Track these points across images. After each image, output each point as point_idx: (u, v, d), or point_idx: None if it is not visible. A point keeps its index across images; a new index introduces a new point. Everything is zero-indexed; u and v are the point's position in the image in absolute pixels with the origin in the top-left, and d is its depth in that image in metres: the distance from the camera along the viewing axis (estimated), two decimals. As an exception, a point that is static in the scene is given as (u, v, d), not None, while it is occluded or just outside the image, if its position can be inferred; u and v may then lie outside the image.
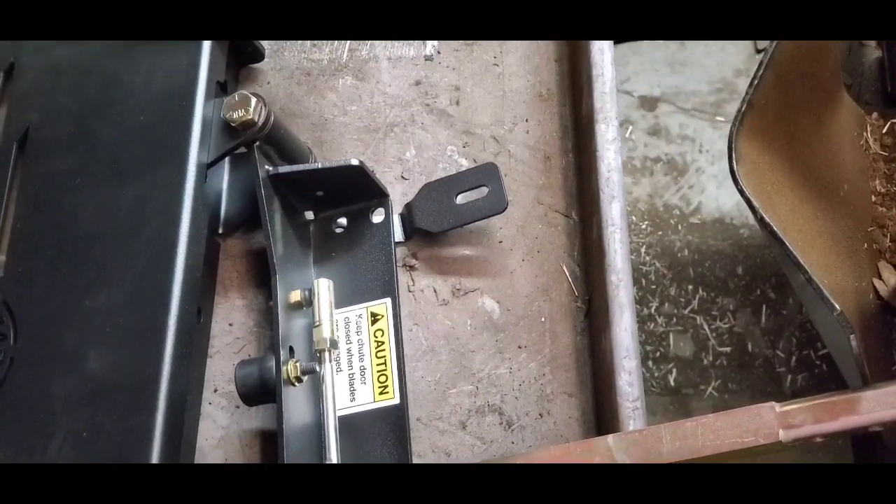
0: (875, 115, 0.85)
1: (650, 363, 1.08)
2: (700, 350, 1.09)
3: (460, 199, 0.82)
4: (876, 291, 0.79)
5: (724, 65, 1.21)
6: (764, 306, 1.10)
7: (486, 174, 0.81)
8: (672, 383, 1.08)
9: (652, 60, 1.24)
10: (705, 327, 1.09)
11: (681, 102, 1.21)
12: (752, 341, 1.08)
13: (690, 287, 1.11)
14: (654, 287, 1.11)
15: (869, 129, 0.84)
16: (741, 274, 1.12)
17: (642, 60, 1.23)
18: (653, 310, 1.10)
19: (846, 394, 0.69)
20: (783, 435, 0.69)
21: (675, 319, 1.10)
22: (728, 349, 1.08)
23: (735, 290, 1.11)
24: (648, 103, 1.22)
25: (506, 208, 0.81)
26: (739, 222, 1.13)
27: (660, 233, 1.14)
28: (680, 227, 1.14)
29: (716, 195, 1.16)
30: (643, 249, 1.13)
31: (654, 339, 1.09)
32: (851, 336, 0.66)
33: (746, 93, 0.70)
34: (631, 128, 1.19)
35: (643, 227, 1.14)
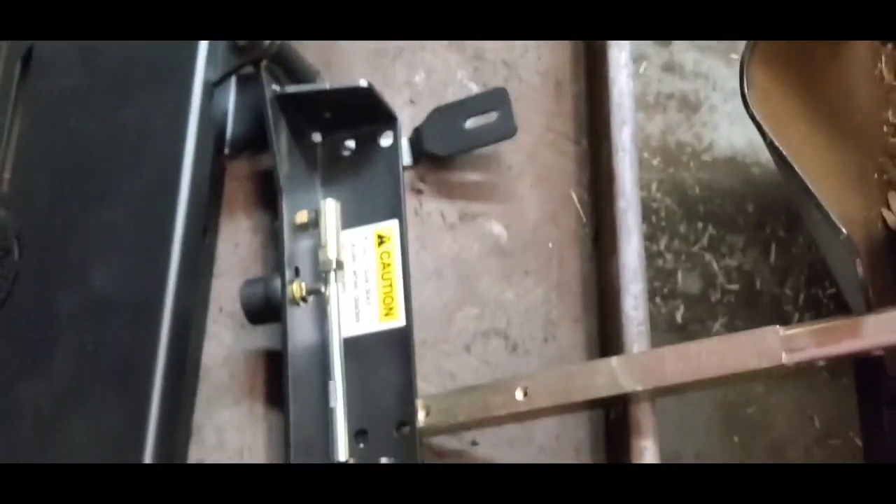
0: (890, 46, 0.86)
1: (658, 299, 1.09)
2: (708, 287, 1.09)
3: (469, 123, 0.83)
4: (884, 222, 0.80)
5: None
6: (773, 244, 1.10)
7: (495, 99, 0.82)
8: (679, 320, 1.09)
9: (667, -4, 1.23)
10: (714, 264, 1.10)
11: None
12: (761, 279, 1.09)
13: (700, 224, 1.12)
14: (663, 224, 1.11)
15: (884, 59, 0.85)
16: (751, 212, 1.12)
17: (658, -4, 1.22)
18: (662, 246, 1.11)
19: (850, 318, 0.70)
20: (786, 358, 0.69)
21: (683, 256, 1.10)
22: (736, 286, 1.08)
23: (745, 227, 1.11)
24: (663, 39, 1.22)
25: (514, 133, 0.81)
26: (751, 160, 1.13)
27: (671, 169, 1.14)
28: (691, 164, 1.14)
29: (728, 133, 1.15)
30: (654, 186, 1.13)
31: (662, 275, 1.10)
32: (857, 260, 0.66)
33: (760, 17, 0.70)
34: (645, 63, 1.19)
35: (654, 163, 1.14)
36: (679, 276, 1.09)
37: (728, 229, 1.11)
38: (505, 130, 0.82)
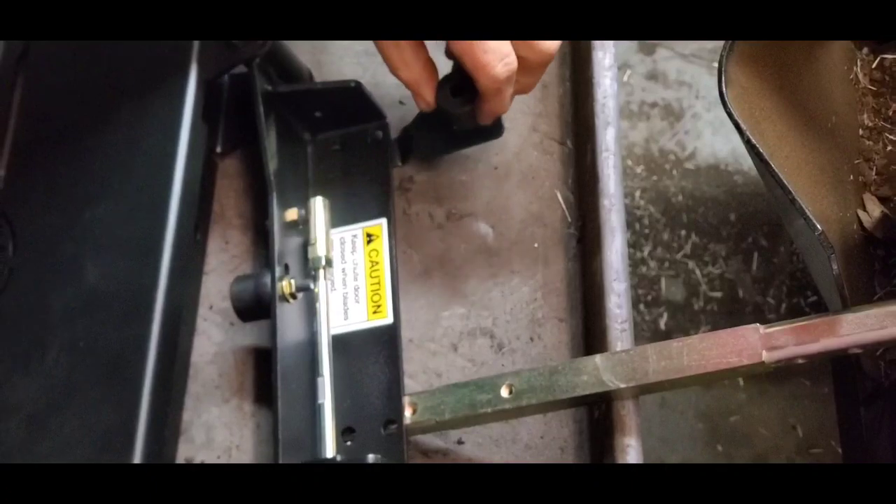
0: (865, 49, 0.91)
1: (641, 307, 1.13)
2: (691, 295, 1.14)
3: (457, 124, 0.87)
4: (860, 222, 0.85)
5: (725, 12, 1.26)
6: (755, 253, 1.15)
7: None
8: (663, 327, 1.13)
9: (652, 6, 1.28)
10: (697, 272, 1.14)
11: (679, 48, 1.26)
12: (743, 288, 1.13)
13: (683, 232, 1.16)
14: (647, 231, 1.16)
15: (859, 63, 0.90)
16: (734, 221, 1.17)
17: (642, 6, 1.27)
18: (646, 254, 1.15)
19: (828, 316, 0.74)
20: (766, 356, 0.74)
21: (667, 264, 1.15)
22: (719, 294, 1.13)
23: (727, 236, 1.16)
24: (647, 48, 1.26)
25: (502, 134, 0.85)
26: (734, 169, 1.18)
27: (655, 177, 1.19)
28: (675, 172, 1.19)
29: (711, 142, 1.20)
30: (638, 194, 1.18)
31: (646, 282, 1.14)
32: (832, 256, 0.71)
33: (739, 19, 0.74)
34: (629, 72, 1.24)
35: (638, 171, 1.19)
36: (663, 283, 1.14)
37: (711, 238, 1.16)
38: (493, 131, 0.85)
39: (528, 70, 0.78)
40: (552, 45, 0.77)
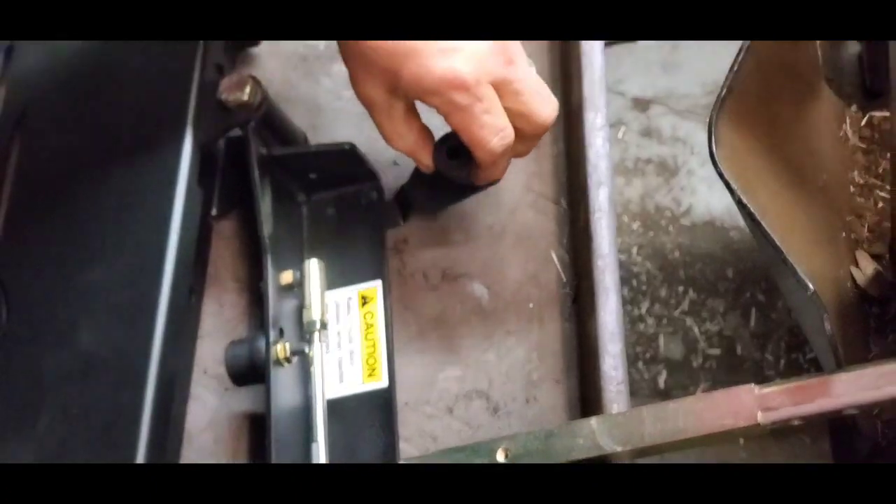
0: (854, 107, 0.91)
1: (640, 364, 1.13)
2: (690, 352, 1.13)
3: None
4: (854, 280, 0.85)
5: (717, 68, 1.26)
6: (753, 309, 1.14)
7: None
8: (662, 385, 1.13)
9: (645, 62, 1.28)
10: (695, 329, 1.14)
11: (673, 104, 1.26)
12: (742, 344, 1.13)
13: (681, 288, 1.16)
14: (644, 288, 1.16)
15: (848, 121, 0.90)
16: (731, 277, 1.17)
17: (635, 62, 1.28)
18: (643, 310, 1.15)
19: (822, 376, 0.74)
20: (762, 417, 0.73)
21: (665, 321, 1.15)
22: (717, 351, 1.12)
23: (725, 292, 1.15)
24: (641, 104, 1.27)
25: (499, 180, 0.85)
26: (730, 225, 1.18)
27: (651, 233, 1.19)
28: (671, 228, 1.19)
29: (707, 197, 1.20)
30: (634, 250, 1.18)
31: (644, 340, 1.14)
32: (825, 315, 0.71)
33: (726, 78, 0.75)
34: (624, 128, 1.24)
35: (634, 227, 1.19)
36: (661, 340, 1.14)
37: (709, 294, 1.16)
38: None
39: (523, 139, 0.79)
40: (548, 117, 0.79)
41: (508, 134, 0.78)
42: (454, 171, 0.82)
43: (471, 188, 0.87)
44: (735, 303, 1.15)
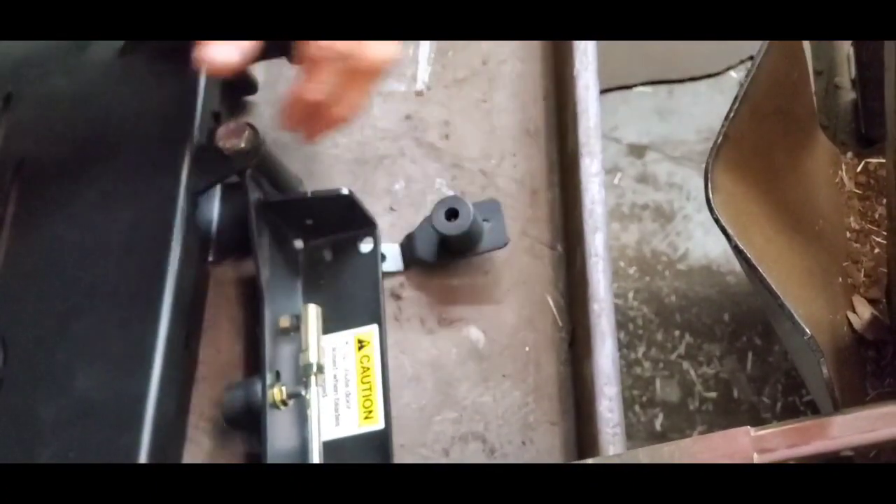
0: (850, 154, 0.93)
1: (637, 408, 1.14)
2: (686, 395, 1.15)
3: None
4: (850, 324, 0.86)
5: (712, 114, 1.29)
6: (750, 353, 1.16)
7: (488, 209, 0.89)
8: (658, 428, 1.14)
9: (640, 109, 1.31)
10: (692, 373, 1.15)
11: (669, 150, 1.28)
12: (738, 387, 1.14)
13: (677, 332, 1.18)
14: (640, 332, 1.17)
15: (844, 167, 0.92)
16: (727, 321, 1.18)
17: (631, 109, 1.31)
18: (640, 354, 1.16)
19: (818, 418, 0.75)
20: (757, 459, 0.74)
21: (661, 364, 1.16)
22: (714, 394, 1.14)
23: (721, 336, 1.17)
24: (637, 151, 1.29)
25: (506, 244, 0.88)
26: (726, 269, 1.20)
27: (647, 278, 1.20)
28: (667, 273, 1.20)
29: (703, 242, 1.22)
30: (631, 295, 1.20)
31: (640, 383, 1.15)
32: (821, 360, 0.72)
33: (722, 125, 0.77)
34: (620, 174, 1.26)
35: (631, 272, 1.21)
36: (657, 384, 1.15)
37: (705, 338, 1.17)
38: (496, 240, 0.88)
39: (356, 79, 0.80)
40: (382, 52, 0.79)
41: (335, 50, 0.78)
42: (453, 232, 0.86)
43: (471, 251, 0.89)
44: (731, 347, 1.17)
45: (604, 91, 1.11)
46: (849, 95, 0.97)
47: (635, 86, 1.32)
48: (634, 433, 1.11)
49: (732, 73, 1.23)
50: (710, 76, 1.32)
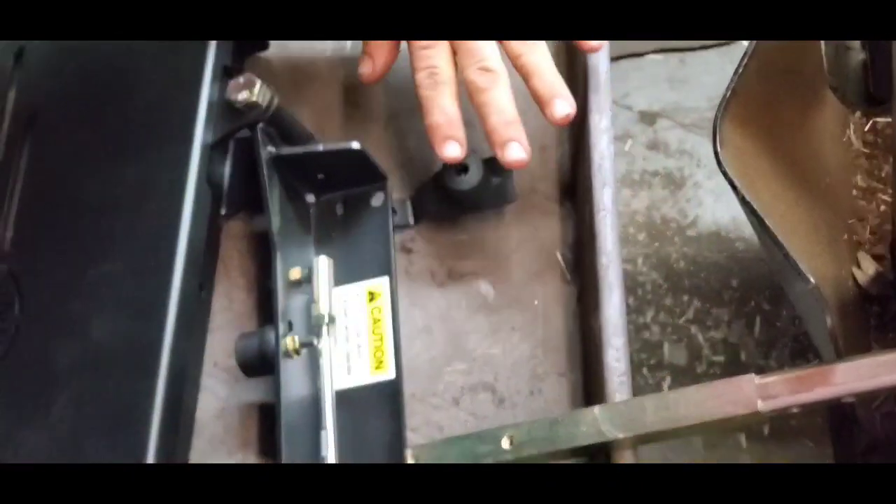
0: (858, 113, 0.97)
1: (645, 370, 1.18)
2: (694, 359, 1.18)
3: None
4: (855, 280, 0.90)
5: (723, 82, 1.31)
6: (758, 317, 1.19)
7: (498, 165, 0.92)
8: (666, 391, 1.17)
9: (652, 76, 1.34)
10: (699, 337, 1.19)
11: (680, 118, 1.31)
12: (746, 351, 1.18)
13: (686, 297, 1.21)
14: (649, 297, 1.21)
15: (852, 126, 0.96)
16: (736, 286, 1.22)
17: (642, 76, 1.34)
18: (648, 319, 1.20)
19: (821, 365, 0.79)
20: (762, 405, 0.78)
21: (670, 329, 1.20)
22: (721, 358, 1.17)
23: (730, 301, 1.20)
24: (648, 118, 1.33)
25: (515, 199, 0.92)
26: (735, 235, 1.23)
27: (657, 244, 1.24)
28: (676, 239, 1.24)
29: (713, 209, 1.25)
30: (640, 260, 1.23)
31: (648, 347, 1.19)
32: (825, 308, 0.76)
33: (731, 80, 0.81)
34: (630, 141, 1.29)
35: (640, 238, 1.24)
36: (665, 348, 1.19)
37: (713, 303, 1.20)
38: (506, 196, 0.93)
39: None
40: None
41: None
42: (463, 187, 0.90)
43: (485, 203, 0.93)
44: (739, 311, 1.20)
45: (615, 58, 1.15)
46: (859, 56, 1.00)
47: (647, 53, 1.35)
48: (642, 395, 1.15)
49: (744, 43, 1.26)
50: (721, 45, 1.35)
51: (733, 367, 1.16)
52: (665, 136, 1.30)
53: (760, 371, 1.17)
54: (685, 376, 1.16)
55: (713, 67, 1.33)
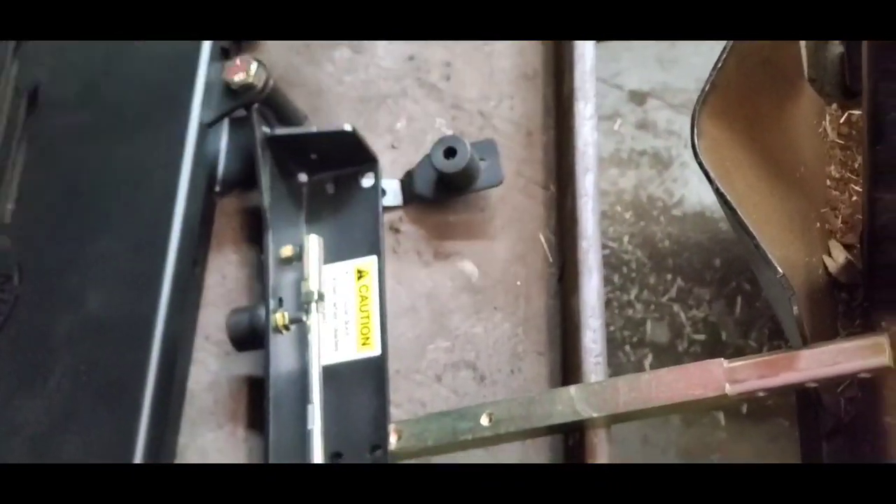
0: (834, 105, 1.00)
1: (627, 348, 1.21)
2: (675, 337, 1.22)
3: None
4: (825, 268, 0.94)
5: (712, 64, 1.35)
6: (738, 298, 1.23)
7: (485, 149, 0.96)
8: (647, 368, 1.21)
9: (643, 56, 1.37)
10: (682, 315, 1.23)
11: (669, 98, 1.35)
12: (726, 331, 1.22)
13: (669, 276, 1.25)
14: (634, 275, 1.25)
15: (828, 118, 0.99)
16: (718, 266, 1.25)
17: (633, 56, 1.37)
18: (632, 297, 1.24)
19: (787, 352, 0.83)
20: (729, 389, 0.82)
21: (653, 307, 1.23)
22: (702, 336, 1.21)
23: (711, 281, 1.24)
24: (638, 98, 1.36)
25: (501, 182, 0.96)
26: (719, 216, 1.27)
27: (642, 223, 1.27)
28: (662, 218, 1.27)
29: (698, 189, 1.29)
30: (626, 238, 1.27)
31: (631, 324, 1.23)
32: (792, 297, 0.80)
33: (710, 74, 0.83)
34: (620, 121, 1.33)
35: (627, 217, 1.28)
36: (648, 325, 1.22)
37: (696, 282, 1.24)
38: (492, 179, 0.96)
39: None
40: None
41: None
42: (450, 168, 0.93)
43: (468, 189, 0.96)
44: (721, 291, 1.24)
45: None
46: (837, 49, 1.03)
47: (638, 34, 1.37)
48: (623, 372, 1.18)
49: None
50: (713, 26, 1.37)
51: (714, 346, 1.20)
52: (654, 115, 1.33)
53: (740, 350, 1.22)
54: (667, 354, 1.20)
55: (703, 48, 1.35)
